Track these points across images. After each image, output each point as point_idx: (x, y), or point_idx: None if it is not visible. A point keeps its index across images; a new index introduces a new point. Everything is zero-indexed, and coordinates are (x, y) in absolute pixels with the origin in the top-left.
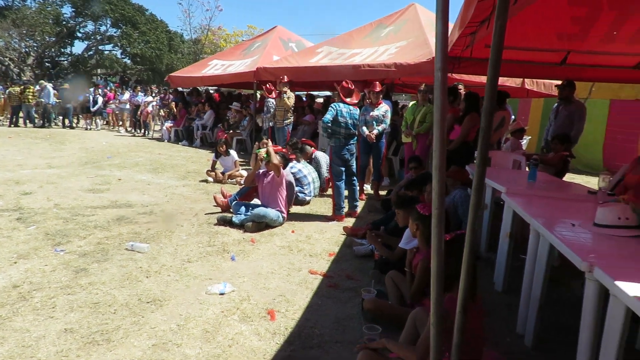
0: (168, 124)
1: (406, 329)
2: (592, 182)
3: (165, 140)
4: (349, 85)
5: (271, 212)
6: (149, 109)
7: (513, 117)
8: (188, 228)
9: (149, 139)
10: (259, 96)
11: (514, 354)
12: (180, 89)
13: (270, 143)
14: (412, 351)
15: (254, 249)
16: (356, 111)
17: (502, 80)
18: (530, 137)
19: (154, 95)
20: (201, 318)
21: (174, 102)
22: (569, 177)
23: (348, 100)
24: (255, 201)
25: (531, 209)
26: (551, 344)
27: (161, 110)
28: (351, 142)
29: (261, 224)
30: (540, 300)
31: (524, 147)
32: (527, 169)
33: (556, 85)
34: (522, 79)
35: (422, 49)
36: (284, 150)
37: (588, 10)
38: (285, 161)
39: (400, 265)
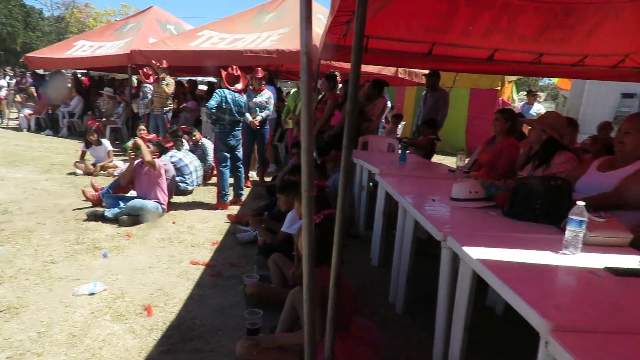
0: (27, 111)
1: (285, 310)
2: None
3: (24, 130)
4: (235, 72)
5: (149, 204)
6: (2, 93)
7: (390, 104)
8: (52, 226)
9: (4, 128)
10: (135, 81)
11: (387, 321)
12: (41, 71)
13: (144, 131)
14: (300, 334)
15: (130, 243)
16: (242, 98)
17: (378, 69)
18: (404, 122)
19: (8, 78)
20: (67, 322)
21: (33, 87)
22: (437, 158)
23: (233, 87)
24: (132, 193)
25: (400, 188)
26: (419, 309)
27: (17, 96)
28: (236, 128)
29: (138, 217)
30: (409, 270)
31: (399, 133)
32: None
33: (424, 75)
34: (396, 68)
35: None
36: (159, 138)
37: (448, 5)
38: (162, 149)
39: (283, 249)
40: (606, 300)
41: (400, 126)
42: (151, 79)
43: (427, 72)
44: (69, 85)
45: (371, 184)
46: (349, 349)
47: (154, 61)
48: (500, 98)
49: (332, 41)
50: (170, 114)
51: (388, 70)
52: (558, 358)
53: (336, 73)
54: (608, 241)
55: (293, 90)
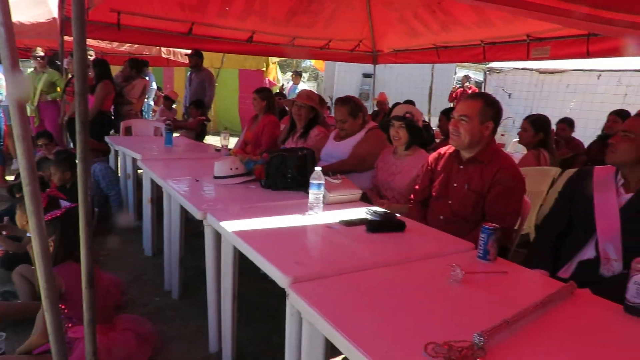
0: None
1: (37, 326)
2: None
3: None
4: None
5: None
6: None
7: (155, 85)
8: None
9: None
10: None
11: (162, 309)
12: None
13: None
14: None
15: None
16: None
17: (141, 49)
18: (176, 104)
19: None
20: None
21: None
22: (212, 140)
23: None
24: None
25: (163, 172)
26: (195, 291)
27: None
28: None
29: None
30: (181, 255)
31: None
32: None
33: (186, 54)
34: (159, 48)
35: (39, 7)
36: None
37: None
38: None
39: (30, 260)
40: (336, 249)
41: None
42: None
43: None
44: None
45: (140, 170)
46: (112, 340)
47: None
48: (267, 79)
49: (69, 13)
50: None
51: (149, 50)
52: (296, 305)
53: (91, 52)
54: (344, 198)
55: (29, 70)
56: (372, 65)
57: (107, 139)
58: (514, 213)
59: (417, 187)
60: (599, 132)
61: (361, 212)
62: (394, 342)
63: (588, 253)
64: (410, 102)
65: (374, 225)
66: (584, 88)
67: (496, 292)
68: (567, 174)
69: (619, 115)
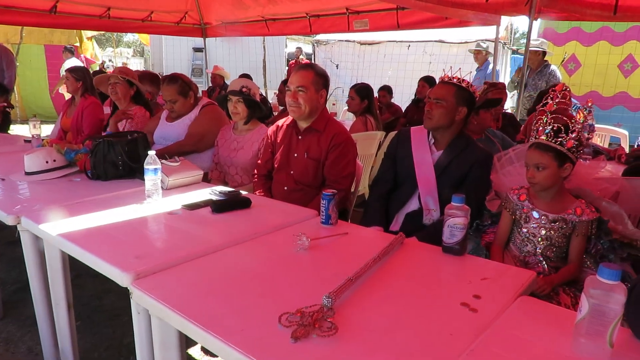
0: None
1: None
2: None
3: None
4: None
5: None
6: None
7: None
8: None
9: None
10: None
11: None
12: None
13: None
14: None
15: None
16: None
17: None
18: None
19: None
20: None
21: None
22: (20, 129)
23: None
24: None
25: None
26: (21, 306)
27: None
28: None
29: None
30: None
31: None
32: None
33: None
34: None
35: None
36: None
37: None
38: None
39: None
40: (180, 235)
41: None
42: None
43: None
44: None
45: None
46: None
47: None
48: (82, 55)
49: None
50: None
51: None
52: (142, 303)
53: None
54: (184, 181)
55: None
56: (202, 39)
57: None
58: (350, 176)
59: (259, 161)
60: (412, 97)
61: (205, 194)
62: (248, 320)
63: (412, 205)
64: (246, 76)
65: (218, 206)
66: (398, 57)
67: (340, 253)
68: (390, 136)
69: (427, 81)
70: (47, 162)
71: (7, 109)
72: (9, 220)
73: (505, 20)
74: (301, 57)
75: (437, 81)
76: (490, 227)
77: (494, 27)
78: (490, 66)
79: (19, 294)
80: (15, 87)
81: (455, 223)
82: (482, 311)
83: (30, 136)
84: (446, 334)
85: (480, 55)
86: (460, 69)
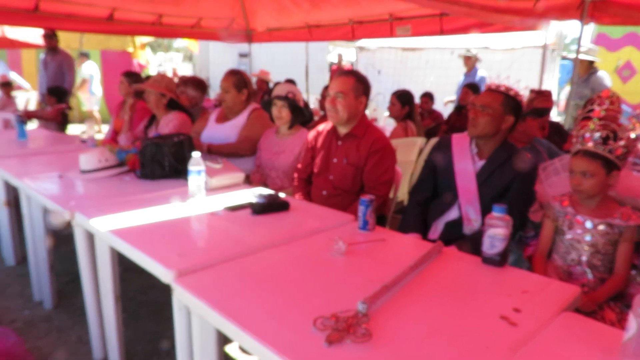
0: None
1: None
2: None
3: None
4: None
5: None
6: None
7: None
8: None
9: None
10: None
11: (34, 322)
12: None
13: None
14: None
15: None
16: None
17: None
18: (29, 91)
19: None
20: None
21: None
22: (78, 129)
23: None
24: None
25: (18, 170)
26: (72, 297)
27: None
28: None
29: None
30: (50, 261)
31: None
32: None
33: (42, 35)
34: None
35: None
36: None
37: None
38: None
39: None
40: (221, 236)
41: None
42: None
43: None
44: None
45: None
46: None
47: None
48: (135, 61)
49: None
50: None
51: None
52: (183, 300)
53: None
54: (226, 183)
55: None
56: (248, 45)
57: None
58: (388, 182)
59: (299, 165)
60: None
61: (246, 196)
62: (283, 322)
63: (452, 214)
64: (291, 82)
65: (258, 208)
66: (440, 64)
67: (376, 259)
68: (431, 143)
69: (471, 87)
70: (100, 161)
71: (65, 111)
72: (65, 214)
73: (555, 25)
74: (344, 62)
75: (483, 89)
76: (533, 239)
77: (542, 32)
78: (479, 72)
79: (71, 285)
80: (73, 90)
81: (496, 233)
82: (522, 325)
83: (87, 137)
84: (482, 347)
85: (470, 61)
86: (508, 77)
